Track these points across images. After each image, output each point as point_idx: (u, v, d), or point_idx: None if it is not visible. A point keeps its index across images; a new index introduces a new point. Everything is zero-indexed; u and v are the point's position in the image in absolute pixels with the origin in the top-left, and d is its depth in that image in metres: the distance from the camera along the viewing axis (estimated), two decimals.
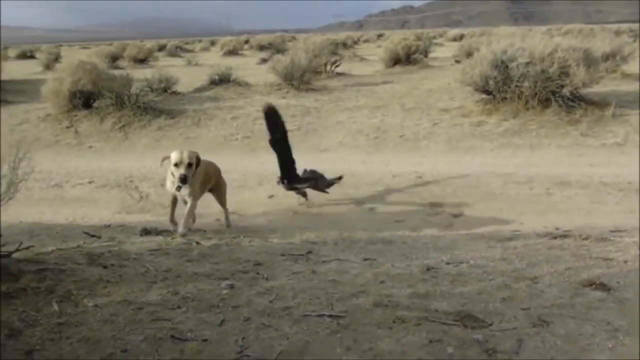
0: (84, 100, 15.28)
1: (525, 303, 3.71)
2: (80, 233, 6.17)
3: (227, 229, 7.13)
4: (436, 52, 30.63)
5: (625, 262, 4.47)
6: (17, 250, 4.23)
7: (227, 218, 7.45)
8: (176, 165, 6.34)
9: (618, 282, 3.98)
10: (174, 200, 6.76)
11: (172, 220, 6.76)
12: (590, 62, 12.81)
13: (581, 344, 3.17)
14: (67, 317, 3.51)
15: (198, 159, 6.50)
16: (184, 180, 6.31)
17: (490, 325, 3.41)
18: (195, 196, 6.64)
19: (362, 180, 9.33)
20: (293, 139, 12.50)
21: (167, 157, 6.43)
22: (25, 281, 3.87)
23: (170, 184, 6.56)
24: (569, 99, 12.47)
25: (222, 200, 7.44)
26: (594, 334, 3.27)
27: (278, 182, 8.22)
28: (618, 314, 3.43)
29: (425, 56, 25.95)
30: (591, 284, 3.99)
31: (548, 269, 4.38)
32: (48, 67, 31.61)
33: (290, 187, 8.14)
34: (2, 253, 4.12)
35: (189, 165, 6.32)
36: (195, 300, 3.78)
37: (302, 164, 10.24)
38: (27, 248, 4.45)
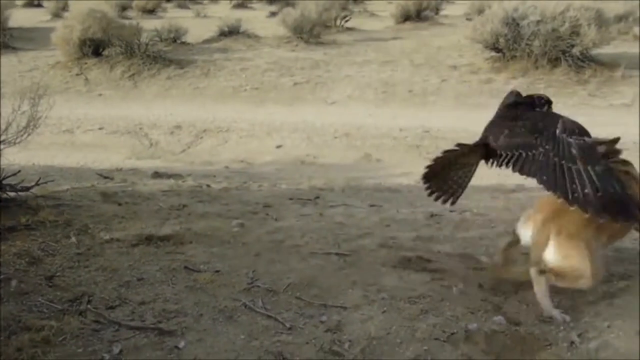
0: (93, 48, 15.26)
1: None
2: (93, 175, 6.29)
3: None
4: (447, 10, 30.25)
5: None
6: (36, 184, 4.37)
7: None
8: None
9: None
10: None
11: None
12: (602, 23, 12.71)
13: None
14: (85, 248, 3.67)
15: None
16: None
17: None
18: None
19: (369, 133, 9.41)
20: (301, 92, 12.65)
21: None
22: (44, 214, 4.03)
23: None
24: (578, 58, 12.42)
25: None
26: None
27: None
28: (613, 260, 3.54)
29: (436, 13, 25.64)
30: None
31: None
32: (56, 15, 31.39)
33: None
34: (21, 187, 4.27)
35: None
36: (207, 236, 3.93)
37: (310, 117, 10.35)
38: (46, 183, 4.59)
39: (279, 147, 9.01)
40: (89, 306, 2.97)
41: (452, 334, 2.80)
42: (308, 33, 17.50)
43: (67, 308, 2.96)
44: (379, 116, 10.69)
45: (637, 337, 2.75)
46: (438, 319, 2.91)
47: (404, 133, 9.36)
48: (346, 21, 21.97)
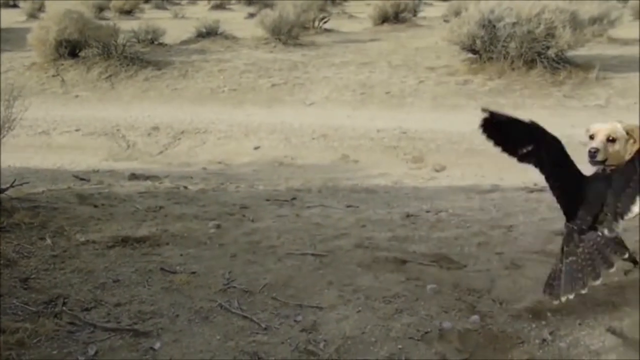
0: (70, 49, 15.14)
1: (499, 248, 3.88)
2: (69, 177, 6.26)
3: None
4: (425, 12, 30.41)
5: None
6: (11, 186, 4.35)
7: None
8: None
9: None
10: None
11: None
12: (577, 25, 12.85)
13: None
14: (60, 250, 3.66)
15: None
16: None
17: (465, 266, 3.59)
18: None
19: (346, 134, 9.44)
20: (279, 93, 12.65)
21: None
22: (19, 217, 4.01)
23: None
24: (554, 60, 12.54)
25: None
26: None
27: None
28: None
29: (414, 15, 25.75)
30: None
31: (523, 219, 4.55)
32: (32, 16, 31.07)
33: None
34: None
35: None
36: (183, 237, 3.94)
37: (288, 118, 10.33)
38: (21, 185, 4.57)
39: (256, 148, 9.02)
40: (64, 308, 2.97)
41: (426, 332, 2.83)
42: (286, 34, 17.50)
43: (42, 310, 2.95)
44: (356, 117, 10.72)
45: (607, 334, 2.80)
46: (412, 318, 2.94)
47: (381, 134, 9.40)
48: (324, 23, 22.00)
